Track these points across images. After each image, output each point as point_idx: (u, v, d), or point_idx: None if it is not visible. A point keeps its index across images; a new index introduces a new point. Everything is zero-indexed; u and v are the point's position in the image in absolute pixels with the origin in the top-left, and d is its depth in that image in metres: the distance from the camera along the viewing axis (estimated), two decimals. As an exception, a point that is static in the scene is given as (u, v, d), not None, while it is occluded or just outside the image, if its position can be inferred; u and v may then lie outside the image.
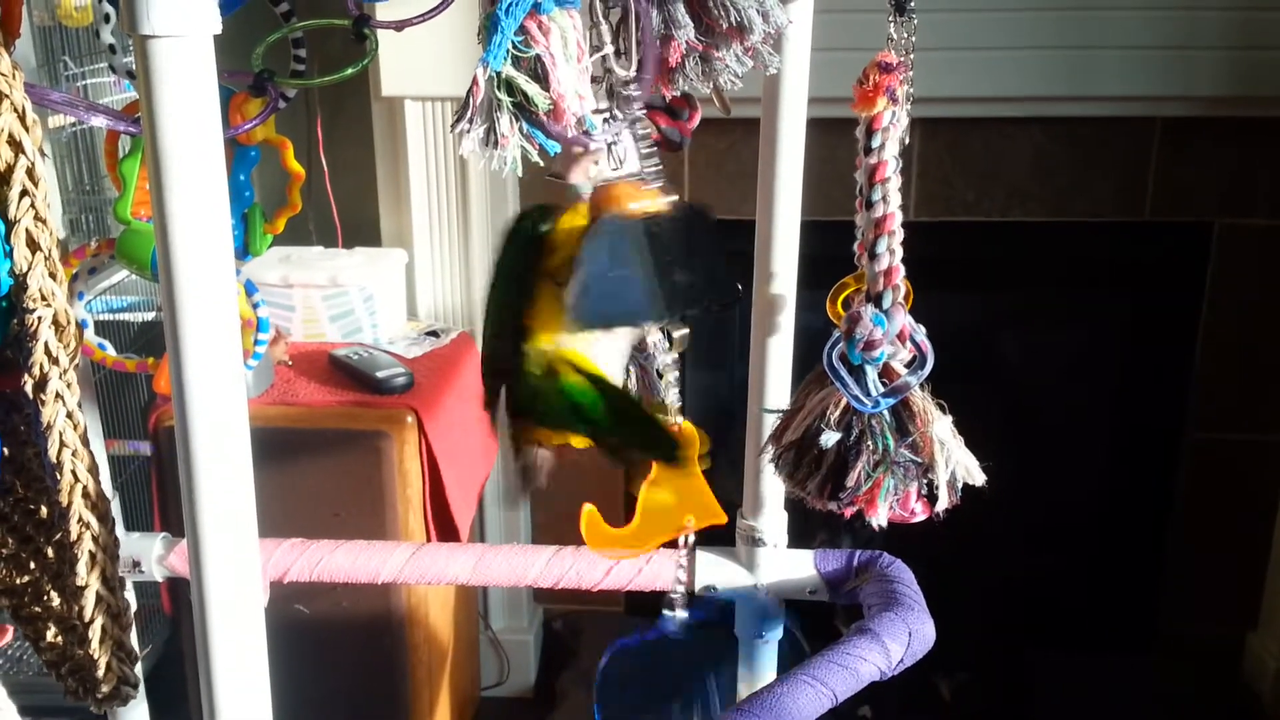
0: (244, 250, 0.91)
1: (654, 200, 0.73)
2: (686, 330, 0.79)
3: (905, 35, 0.77)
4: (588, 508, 0.80)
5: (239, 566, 0.60)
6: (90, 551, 0.72)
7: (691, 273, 0.71)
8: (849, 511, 0.80)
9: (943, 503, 0.79)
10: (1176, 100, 1.91)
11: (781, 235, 0.91)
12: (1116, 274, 2.13)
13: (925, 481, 0.79)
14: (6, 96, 0.63)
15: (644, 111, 0.74)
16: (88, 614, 0.73)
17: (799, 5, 0.82)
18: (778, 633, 1.02)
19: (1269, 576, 2.13)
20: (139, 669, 0.79)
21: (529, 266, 0.73)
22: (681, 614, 0.88)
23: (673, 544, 0.86)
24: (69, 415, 0.68)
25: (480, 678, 2.16)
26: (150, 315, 1.96)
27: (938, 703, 2.08)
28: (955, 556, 1.88)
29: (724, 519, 0.82)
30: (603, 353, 0.74)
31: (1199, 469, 2.15)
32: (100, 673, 0.76)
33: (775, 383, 0.96)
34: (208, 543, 0.59)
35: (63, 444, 0.69)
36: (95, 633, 0.74)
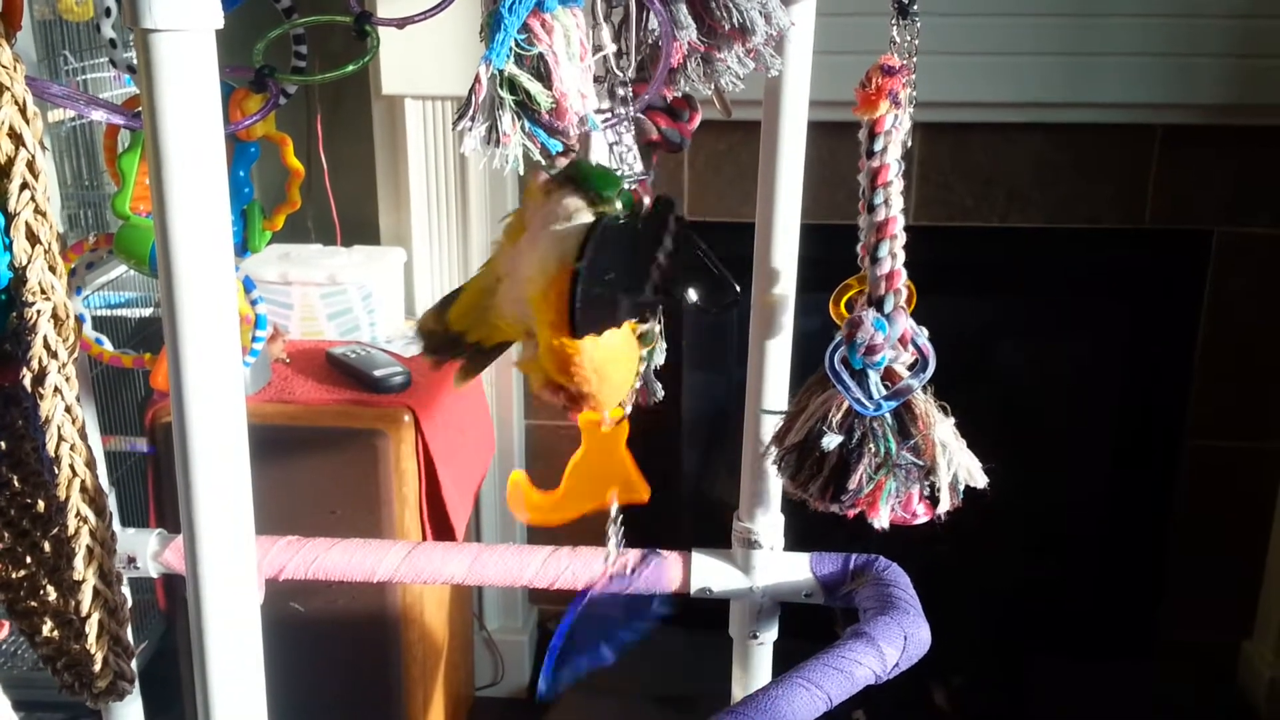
0: (243, 247, 0.91)
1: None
2: (650, 327, 0.79)
3: (908, 38, 0.77)
4: (516, 473, 0.83)
5: (235, 563, 0.60)
6: (88, 546, 0.71)
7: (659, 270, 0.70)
8: (851, 514, 0.80)
9: (944, 505, 0.79)
10: (1177, 108, 1.91)
11: (781, 238, 0.91)
12: (1116, 281, 2.13)
13: (927, 484, 0.79)
14: (8, 89, 0.63)
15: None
16: (84, 609, 0.73)
17: (801, 7, 0.82)
18: (772, 634, 1.02)
19: (1265, 584, 2.13)
20: (134, 664, 0.78)
21: None
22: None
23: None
24: (67, 409, 0.68)
25: (475, 678, 2.16)
26: (148, 311, 1.96)
27: (932, 708, 2.08)
28: (953, 561, 1.88)
29: (646, 496, 0.82)
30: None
31: (1197, 476, 2.15)
32: (96, 668, 0.75)
33: (774, 386, 0.96)
34: (204, 539, 0.59)
35: (61, 438, 0.68)
36: (92, 627, 0.74)
